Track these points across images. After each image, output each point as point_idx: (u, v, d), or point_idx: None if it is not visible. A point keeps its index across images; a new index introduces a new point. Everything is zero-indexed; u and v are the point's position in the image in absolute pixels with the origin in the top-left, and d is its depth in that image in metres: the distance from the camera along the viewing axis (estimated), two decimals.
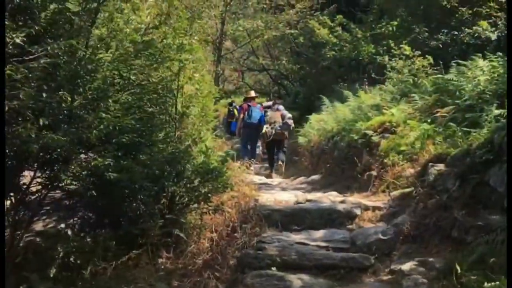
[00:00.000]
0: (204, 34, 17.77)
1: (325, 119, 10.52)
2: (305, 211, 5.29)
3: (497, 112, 5.44)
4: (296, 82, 20.67)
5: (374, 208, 5.40)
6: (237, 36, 19.31)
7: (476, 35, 10.15)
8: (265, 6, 18.11)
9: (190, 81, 5.51)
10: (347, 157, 7.90)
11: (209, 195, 5.05)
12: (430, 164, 4.96)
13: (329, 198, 5.89)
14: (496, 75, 6.19)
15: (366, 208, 5.42)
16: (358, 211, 5.23)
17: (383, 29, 11.67)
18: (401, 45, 10.18)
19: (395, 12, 13.07)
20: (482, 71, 6.36)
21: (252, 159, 11.72)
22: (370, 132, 7.01)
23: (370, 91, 10.25)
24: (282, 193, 6.57)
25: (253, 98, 12.22)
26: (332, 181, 8.03)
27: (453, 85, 6.42)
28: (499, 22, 10.20)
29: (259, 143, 12.24)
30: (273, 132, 10.71)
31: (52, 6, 3.27)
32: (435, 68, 9.07)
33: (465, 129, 5.36)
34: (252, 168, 11.24)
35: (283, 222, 5.24)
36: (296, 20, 17.27)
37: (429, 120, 6.43)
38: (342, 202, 5.64)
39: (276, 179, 10.36)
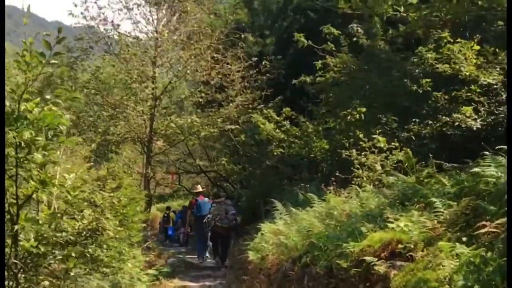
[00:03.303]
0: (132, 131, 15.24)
1: (284, 231, 8.07)
2: None
3: None
4: (237, 184, 18.45)
5: None
6: (169, 134, 16.48)
7: (456, 124, 8.39)
8: (200, 100, 15.55)
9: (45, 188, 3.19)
10: None
11: None
12: None
13: None
14: None
15: None
16: None
17: (348, 117, 9.67)
18: (373, 136, 8.23)
19: (349, 104, 11.23)
20: None
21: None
22: (369, 258, 4.58)
23: (338, 194, 8.09)
24: None
25: (200, 193, 13.57)
26: None
27: (494, 184, 4.28)
28: (481, 109, 8.52)
29: None
30: (213, 223, 11.69)
31: None
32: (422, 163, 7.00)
33: None
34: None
35: None
36: (237, 115, 15.21)
37: (464, 239, 4.17)
38: None
39: None
